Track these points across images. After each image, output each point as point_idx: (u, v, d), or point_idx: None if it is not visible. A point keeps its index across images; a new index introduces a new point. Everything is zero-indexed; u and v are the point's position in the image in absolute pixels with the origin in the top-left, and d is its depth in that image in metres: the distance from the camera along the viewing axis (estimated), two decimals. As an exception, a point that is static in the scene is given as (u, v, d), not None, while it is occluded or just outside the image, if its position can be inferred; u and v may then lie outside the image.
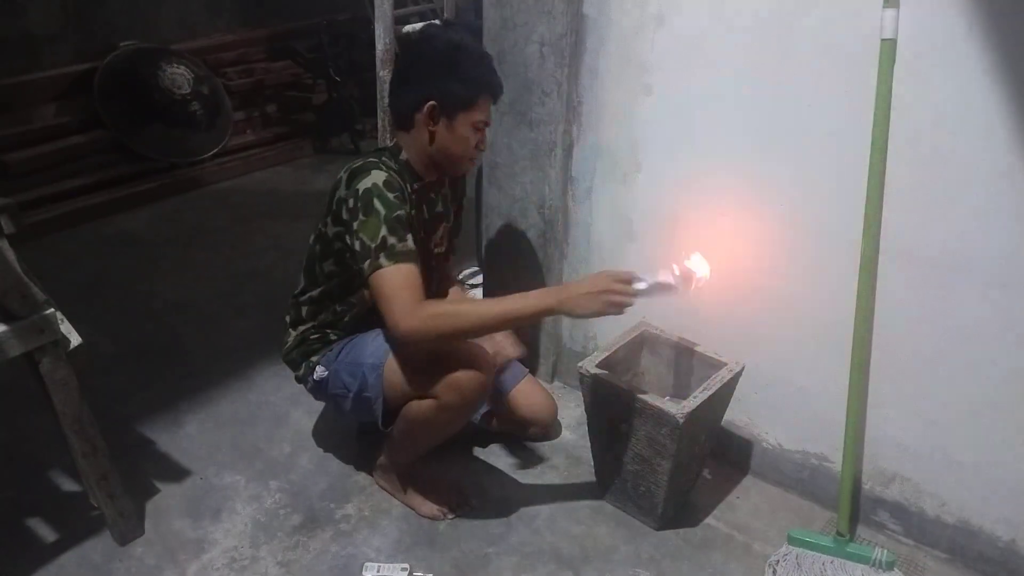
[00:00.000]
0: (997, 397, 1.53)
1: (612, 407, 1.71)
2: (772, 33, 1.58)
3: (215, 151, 4.00)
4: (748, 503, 1.89)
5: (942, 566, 1.70)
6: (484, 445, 2.05)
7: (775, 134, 1.64)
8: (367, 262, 1.50)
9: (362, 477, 1.94)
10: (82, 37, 3.76)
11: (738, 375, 1.73)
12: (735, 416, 1.92)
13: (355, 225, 1.53)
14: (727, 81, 1.67)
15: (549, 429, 2.07)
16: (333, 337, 1.79)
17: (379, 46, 2.29)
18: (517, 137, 2.04)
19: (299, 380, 1.84)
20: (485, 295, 2.36)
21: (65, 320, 1.50)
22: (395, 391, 1.65)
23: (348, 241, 1.56)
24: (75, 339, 1.52)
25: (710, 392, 1.64)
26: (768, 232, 1.73)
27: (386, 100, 2.22)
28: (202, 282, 2.93)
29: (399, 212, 1.53)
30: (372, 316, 1.74)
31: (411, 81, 1.61)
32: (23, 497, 1.88)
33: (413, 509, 1.83)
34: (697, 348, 1.81)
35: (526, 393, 1.99)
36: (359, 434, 2.05)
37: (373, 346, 1.69)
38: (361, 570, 1.66)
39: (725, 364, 1.74)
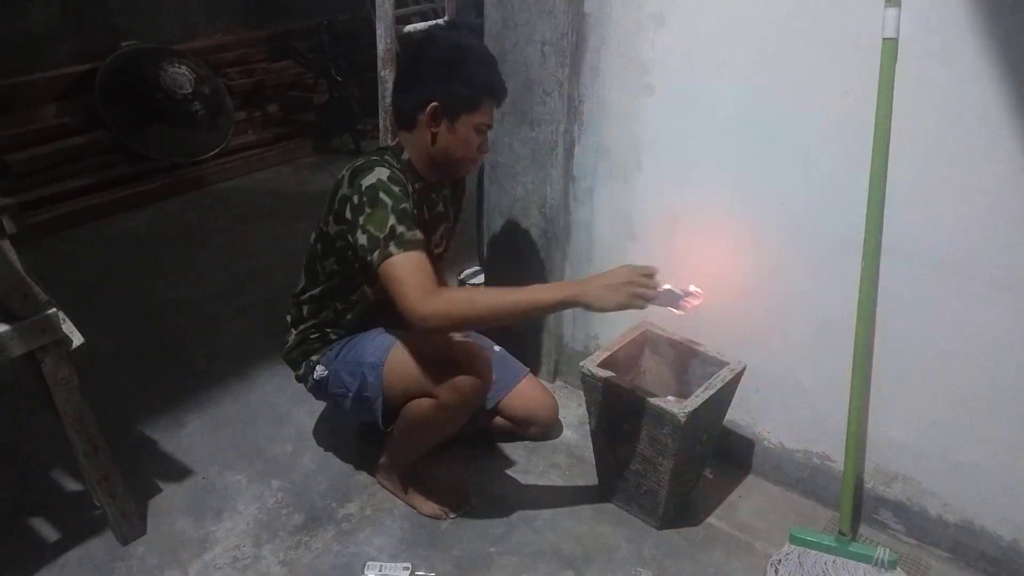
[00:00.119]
0: (999, 397, 1.53)
1: (614, 406, 1.71)
2: (773, 32, 1.57)
3: (216, 151, 3.99)
4: (750, 502, 1.89)
5: (944, 565, 1.70)
6: (485, 445, 2.05)
7: (776, 133, 1.64)
8: (376, 252, 1.48)
9: (363, 476, 1.94)
10: (83, 37, 3.76)
11: (740, 374, 1.73)
12: (737, 415, 1.92)
13: (361, 219, 1.52)
14: (728, 80, 1.67)
15: (550, 429, 2.07)
16: (333, 336, 1.79)
17: (380, 46, 2.29)
18: (518, 136, 2.04)
19: (299, 379, 1.85)
20: (486, 295, 2.36)
21: (67, 320, 1.50)
22: (395, 391, 1.65)
23: (351, 238, 1.56)
24: (77, 339, 1.52)
25: (712, 391, 1.64)
26: (770, 231, 1.72)
27: (387, 100, 2.22)
28: (203, 282, 2.93)
29: (405, 205, 1.53)
30: (374, 314, 1.75)
31: (414, 81, 1.61)
32: (25, 497, 1.88)
33: (415, 508, 1.83)
34: (699, 347, 1.81)
35: (526, 393, 1.99)
36: (360, 434, 2.06)
37: (373, 346, 1.69)
38: (363, 569, 1.66)
39: (727, 363, 1.74)
